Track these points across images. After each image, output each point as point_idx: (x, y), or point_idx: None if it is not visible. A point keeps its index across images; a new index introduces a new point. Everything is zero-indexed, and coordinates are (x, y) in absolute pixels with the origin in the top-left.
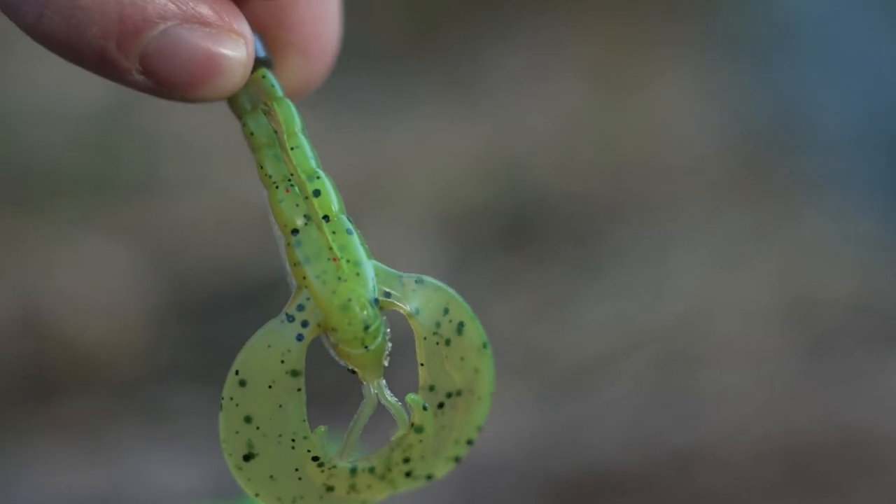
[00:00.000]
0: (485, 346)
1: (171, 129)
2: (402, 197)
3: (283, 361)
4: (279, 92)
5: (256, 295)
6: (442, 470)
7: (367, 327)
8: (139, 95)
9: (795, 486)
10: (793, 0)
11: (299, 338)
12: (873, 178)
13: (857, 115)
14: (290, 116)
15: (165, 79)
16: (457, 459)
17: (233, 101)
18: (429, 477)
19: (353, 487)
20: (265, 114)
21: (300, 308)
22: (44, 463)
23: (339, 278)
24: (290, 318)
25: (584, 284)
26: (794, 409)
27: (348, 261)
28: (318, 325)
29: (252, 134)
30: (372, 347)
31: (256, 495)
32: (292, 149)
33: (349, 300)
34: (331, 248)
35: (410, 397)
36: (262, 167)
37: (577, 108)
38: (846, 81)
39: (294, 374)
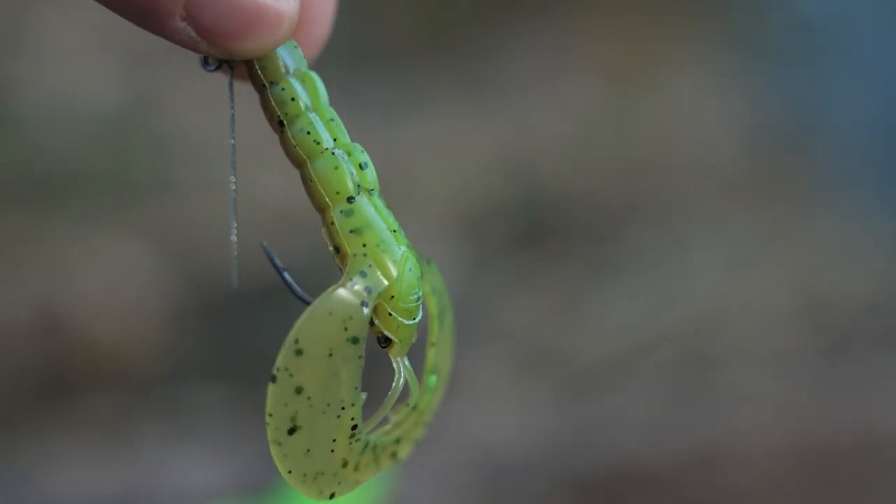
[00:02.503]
0: (454, 328)
1: (185, 129)
2: (418, 197)
3: (345, 329)
4: (306, 63)
5: (273, 292)
6: (406, 451)
7: (418, 298)
8: (155, 96)
9: (814, 485)
10: (807, 1)
11: (364, 304)
12: (890, 178)
13: (873, 115)
14: (320, 88)
15: (209, 27)
16: (416, 441)
17: (267, 64)
18: (399, 458)
19: (357, 466)
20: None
21: (363, 275)
22: (64, 461)
23: (400, 247)
24: (355, 285)
25: (600, 284)
26: (811, 408)
27: (397, 232)
28: (380, 294)
29: (293, 99)
30: (417, 319)
31: (289, 473)
32: (331, 120)
33: (409, 269)
34: (383, 218)
35: (432, 379)
36: (308, 133)
37: (592, 108)
38: (863, 82)
39: (355, 341)
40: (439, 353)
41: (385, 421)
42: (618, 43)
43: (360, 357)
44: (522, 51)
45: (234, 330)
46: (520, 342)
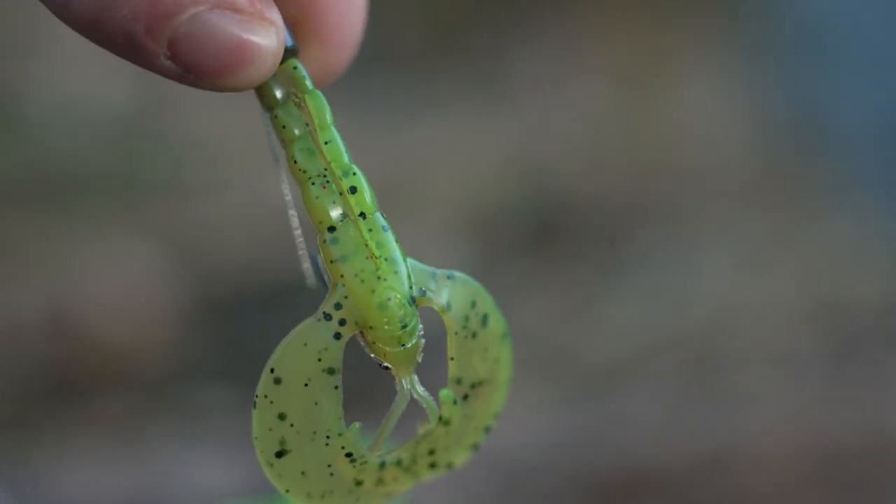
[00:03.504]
0: (505, 335)
1: (197, 131)
2: (428, 199)
3: (319, 360)
4: (310, 84)
5: (282, 293)
6: (462, 457)
7: (404, 326)
8: (165, 98)
9: (824, 487)
10: (817, 2)
11: (337, 336)
12: None
13: (882, 116)
14: (323, 109)
15: (193, 65)
16: (476, 447)
17: (262, 91)
18: (449, 465)
19: (380, 481)
20: (296, 106)
21: (338, 307)
22: (74, 462)
23: (379, 277)
24: (328, 317)
25: (610, 286)
26: (821, 410)
27: (386, 259)
28: (356, 324)
29: (284, 126)
30: (409, 345)
31: (287, 491)
32: (326, 143)
33: (388, 299)
34: (368, 247)
35: (444, 392)
36: (295, 161)
37: (602, 110)
38: (871, 83)
39: (331, 372)
40: (466, 364)
41: (414, 436)
42: (628, 44)
43: (336, 388)
44: (532, 52)
45: (243, 331)
46: (530, 344)
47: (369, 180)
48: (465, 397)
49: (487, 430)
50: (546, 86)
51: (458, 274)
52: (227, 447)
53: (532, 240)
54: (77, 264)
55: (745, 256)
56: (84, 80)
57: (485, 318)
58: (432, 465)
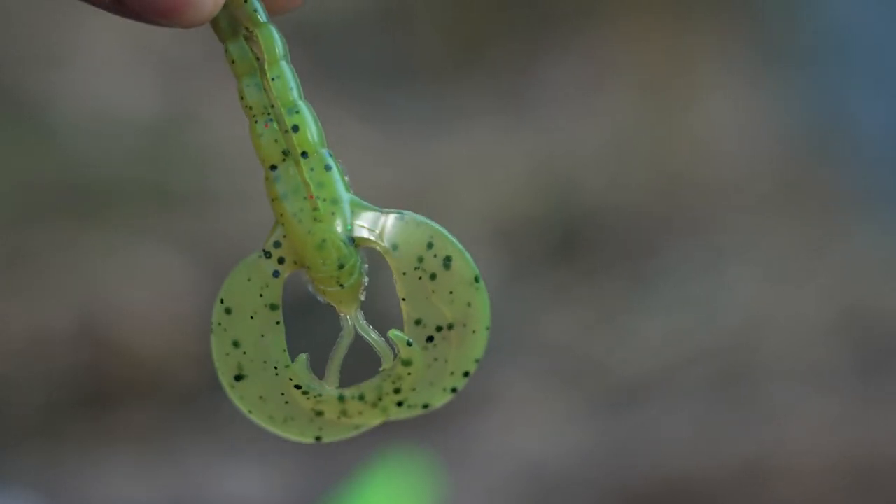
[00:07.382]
0: (476, 279)
1: (225, 141)
2: (453, 210)
3: (261, 295)
4: (262, 17)
5: (311, 303)
6: (439, 400)
7: (341, 266)
8: (192, 108)
9: (857, 500)
10: (842, 13)
11: (276, 274)
12: None
13: None
14: (272, 42)
15: (140, 10)
16: (454, 390)
17: (214, 26)
18: (425, 406)
19: (343, 413)
20: (246, 40)
21: (277, 245)
22: (104, 472)
23: (315, 218)
24: (268, 255)
25: (637, 298)
26: (853, 422)
27: (325, 199)
28: (294, 262)
29: (233, 62)
30: (347, 285)
31: (249, 412)
32: (273, 79)
33: (323, 240)
34: (308, 186)
35: (393, 333)
36: (242, 98)
37: (627, 122)
38: None
39: (272, 307)
40: (425, 306)
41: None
42: (652, 56)
43: (278, 323)
44: (558, 65)
45: None
46: (558, 356)
47: (317, 117)
48: (430, 339)
49: (466, 374)
50: (571, 97)
51: (409, 214)
52: (258, 459)
53: (558, 251)
54: (106, 274)
55: (773, 268)
56: (112, 89)
57: (447, 260)
58: (400, 404)
